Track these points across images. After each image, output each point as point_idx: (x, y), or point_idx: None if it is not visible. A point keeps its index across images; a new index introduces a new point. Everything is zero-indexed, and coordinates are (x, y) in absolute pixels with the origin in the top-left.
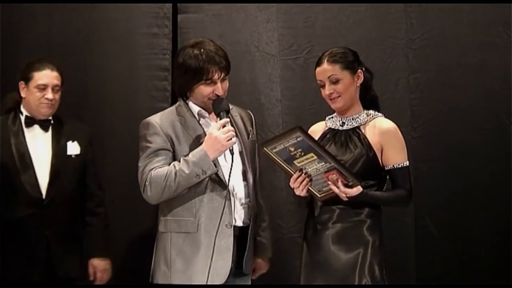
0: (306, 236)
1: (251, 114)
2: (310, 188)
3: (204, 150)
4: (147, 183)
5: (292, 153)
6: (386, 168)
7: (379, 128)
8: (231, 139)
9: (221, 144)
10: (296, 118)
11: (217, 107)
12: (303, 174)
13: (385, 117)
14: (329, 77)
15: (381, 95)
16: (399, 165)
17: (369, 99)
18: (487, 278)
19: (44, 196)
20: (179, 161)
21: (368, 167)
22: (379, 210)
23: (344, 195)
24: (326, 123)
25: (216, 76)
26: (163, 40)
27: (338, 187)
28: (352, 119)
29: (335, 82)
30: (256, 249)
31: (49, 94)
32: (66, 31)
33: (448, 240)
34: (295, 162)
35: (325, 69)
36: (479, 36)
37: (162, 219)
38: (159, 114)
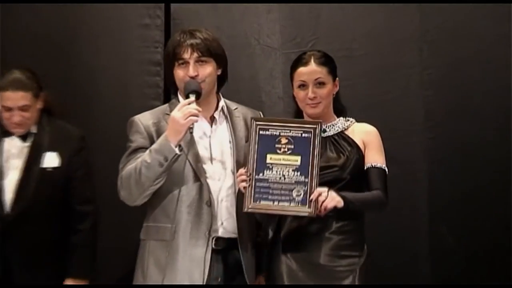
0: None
1: (261, 115)
2: (260, 199)
3: (165, 135)
4: (119, 183)
5: (277, 145)
6: (364, 168)
7: (362, 129)
8: (190, 117)
9: (180, 124)
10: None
11: (186, 88)
12: (248, 176)
13: (395, 117)
14: (316, 79)
15: (391, 93)
16: (377, 164)
17: (338, 109)
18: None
19: (8, 212)
20: None
21: (359, 167)
22: (362, 220)
23: (323, 209)
24: None
25: (186, 56)
26: (155, 32)
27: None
28: (332, 125)
29: (320, 85)
30: (259, 265)
31: (15, 117)
32: (52, 23)
33: (463, 248)
34: (269, 155)
35: (313, 70)
36: (498, 29)
37: (144, 225)
38: (148, 111)
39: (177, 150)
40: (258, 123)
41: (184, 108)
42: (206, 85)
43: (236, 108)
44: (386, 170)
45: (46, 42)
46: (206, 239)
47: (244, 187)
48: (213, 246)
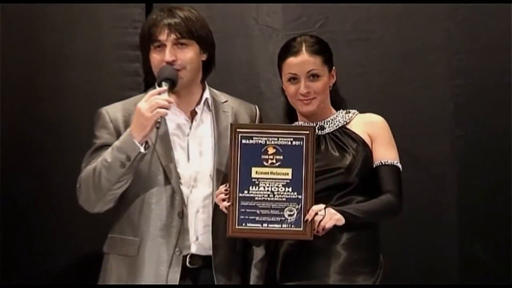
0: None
1: (256, 109)
2: (246, 221)
3: (130, 130)
4: (77, 186)
5: (264, 156)
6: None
7: (366, 120)
8: (157, 109)
9: (145, 117)
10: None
11: (159, 75)
12: (226, 192)
13: (419, 112)
14: (308, 71)
15: (413, 83)
16: (387, 161)
17: (336, 102)
18: None
19: None
20: None
21: (367, 166)
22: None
23: (321, 230)
24: None
25: (163, 37)
26: (134, 9)
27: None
28: (331, 120)
29: (314, 79)
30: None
31: None
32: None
33: (498, 266)
34: (255, 169)
35: (305, 61)
36: None
37: (109, 236)
38: (121, 102)
39: (142, 149)
40: (240, 130)
41: (152, 99)
42: (186, 73)
43: (225, 101)
44: (399, 166)
45: (9, 23)
46: (176, 257)
47: (227, 207)
48: (188, 264)
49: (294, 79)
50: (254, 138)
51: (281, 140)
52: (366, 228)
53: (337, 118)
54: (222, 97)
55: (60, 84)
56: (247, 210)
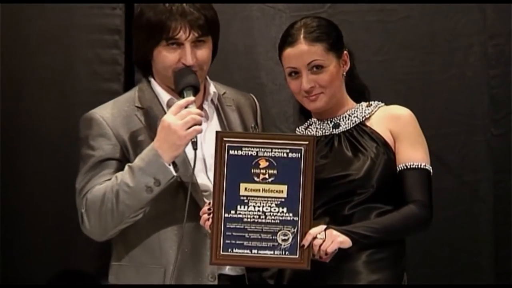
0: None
1: (255, 100)
2: (233, 247)
3: (154, 148)
4: (83, 210)
5: (255, 170)
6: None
7: (389, 114)
8: (192, 126)
9: (177, 136)
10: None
11: (180, 81)
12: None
13: (448, 107)
14: (309, 63)
15: (442, 72)
16: (413, 164)
17: (356, 91)
18: None
19: None
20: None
21: (390, 171)
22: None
23: (325, 255)
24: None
25: (182, 35)
26: None
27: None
28: (348, 116)
29: (317, 70)
30: None
31: None
32: None
33: None
34: (244, 185)
35: (303, 51)
36: None
37: (114, 266)
38: (109, 103)
39: (173, 171)
40: (227, 139)
41: (184, 113)
42: (202, 74)
43: (224, 93)
44: (429, 169)
45: None
46: (210, 283)
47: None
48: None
49: (295, 73)
50: (243, 148)
51: (275, 152)
52: (389, 243)
53: (356, 112)
54: (220, 88)
55: (21, 72)
56: (234, 234)
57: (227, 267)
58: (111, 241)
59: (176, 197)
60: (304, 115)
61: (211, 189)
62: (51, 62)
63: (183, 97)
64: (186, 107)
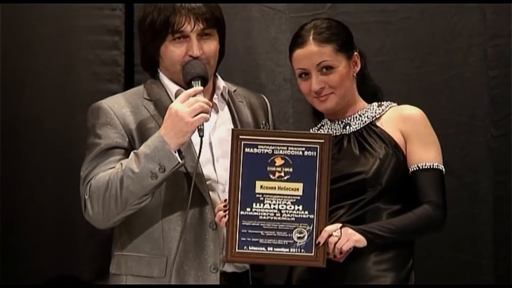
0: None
1: (266, 100)
2: (248, 244)
3: (161, 135)
4: (86, 197)
5: (270, 168)
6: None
7: (399, 115)
8: (199, 113)
9: (185, 122)
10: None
11: (188, 72)
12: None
13: (449, 107)
14: (318, 64)
15: (443, 73)
16: (425, 164)
17: (368, 92)
18: None
19: None
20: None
21: (400, 172)
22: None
23: (340, 253)
24: None
25: (187, 27)
26: None
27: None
28: (359, 116)
29: (327, 71)
30: None
31: None
32: None
33: None
34: (259, 182)
35: (313, 52)
36: None
37: (116, 255)
38: (118, 95)
39: (179, 158)
40: (243, 137)
41: (191, 100)
42: (210, 68)
43: (235, 90)
44: (441, 168)
45: None
46: (213, 276)
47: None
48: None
49: (305, 74)
50: (259, 146)
51: (291, 150)
52: (399, 243)
53: (367, 113)
54: (230, 85)
55: (21, 73)
56: (250, 231)
57: (226, 264)
58: (114, 231)
59: (181, 187)
60: (317, 116)
61: (217, 180)
62: (51, 63)
63: (192, 87)
64: (194, 96)
